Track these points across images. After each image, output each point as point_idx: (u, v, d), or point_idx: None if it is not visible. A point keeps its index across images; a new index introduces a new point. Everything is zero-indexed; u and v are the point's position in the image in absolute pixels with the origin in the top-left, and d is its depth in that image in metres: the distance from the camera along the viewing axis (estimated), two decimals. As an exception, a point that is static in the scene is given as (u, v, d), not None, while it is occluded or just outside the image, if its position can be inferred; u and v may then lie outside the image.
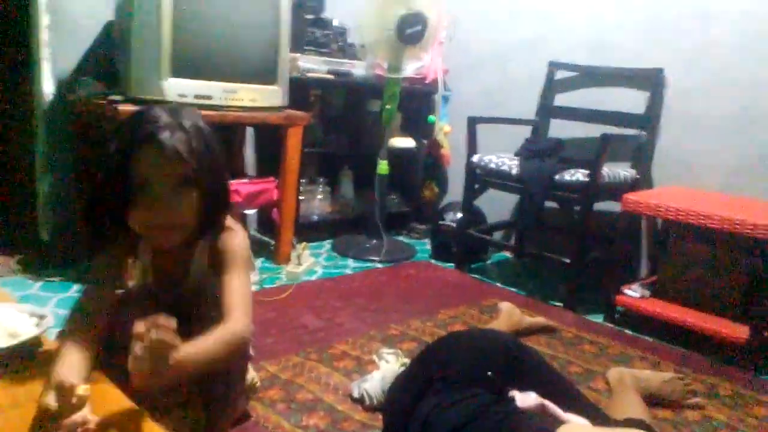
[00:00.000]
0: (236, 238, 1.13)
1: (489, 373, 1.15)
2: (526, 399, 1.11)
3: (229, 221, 1.16)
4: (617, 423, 1.23)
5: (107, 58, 2.36)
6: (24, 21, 2.29)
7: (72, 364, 0.86)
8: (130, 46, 2.07)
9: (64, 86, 2.33)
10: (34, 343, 1.01)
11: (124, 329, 0.86)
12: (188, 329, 0.87)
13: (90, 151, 2.32)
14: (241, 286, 1.07)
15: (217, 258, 1.11)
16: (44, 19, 2.24)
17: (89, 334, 0.94)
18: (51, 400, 0.76)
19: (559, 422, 1.04)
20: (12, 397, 0.86)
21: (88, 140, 2.32)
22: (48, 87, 2.31)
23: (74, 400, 0.76)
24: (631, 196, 2.17)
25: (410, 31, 2.58)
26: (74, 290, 2.12)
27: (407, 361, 1.62)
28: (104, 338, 0.98)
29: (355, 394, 1.54)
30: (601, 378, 1.76)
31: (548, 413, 1.09)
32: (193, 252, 1.14)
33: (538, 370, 1.24)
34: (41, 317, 1.06)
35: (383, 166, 2.86)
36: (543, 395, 1.13)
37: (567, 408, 1.11)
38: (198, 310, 1.12)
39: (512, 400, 1.11)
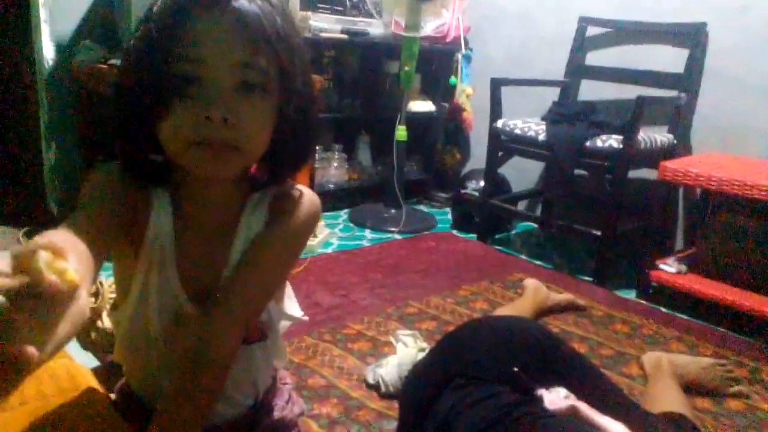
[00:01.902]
0: (306, 200, 0.77)
1: (514, 368, 1.04)
2: (555, 399, 1.00)
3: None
4: (656, 422, 1.11)
5: (108, 22, 2.24)
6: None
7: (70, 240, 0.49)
8: (129, 7, 1.95)
9: (65, 51, 2.22)
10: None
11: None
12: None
13: (93, 118, 2.23)
14: (271, 272, 0.75)
15: (272, 222, 0.75)
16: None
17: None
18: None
19: (593, 427, 0.92)
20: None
21: (90, 107, 2.22)
22: (48, 52, 2.20)
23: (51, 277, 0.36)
24: (669, 164, 2.00)
25: None
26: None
27: (426, 345, 1.52)
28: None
29: (370, 380, 1.45)
30: (635, 362, 1.64)
31: (581, 416, 0.97)
32: (241, 211, 0.75)
33: (571, 364, 1.12)
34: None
35: (402, 132, 2.71)
36: (576, 393, 1.01)
37: (603, 409, 0.99)
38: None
39: (540, 400, 0.99)
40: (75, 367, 0.85)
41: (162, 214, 0.70)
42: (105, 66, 2.04)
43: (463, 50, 3.03)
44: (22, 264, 0.35)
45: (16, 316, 0.34)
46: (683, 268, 2.09)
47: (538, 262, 2.44)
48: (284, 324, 0.86)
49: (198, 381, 0.67)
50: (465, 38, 3.01)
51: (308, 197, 0.78)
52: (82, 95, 2.23)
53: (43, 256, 0.36)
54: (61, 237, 0.47)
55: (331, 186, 2.93)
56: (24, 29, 2.23)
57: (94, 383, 0.81)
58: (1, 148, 2.58)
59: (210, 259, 0.74)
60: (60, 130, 2.29)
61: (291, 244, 0.77)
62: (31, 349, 0.34)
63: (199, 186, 0.71)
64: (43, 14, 2.16)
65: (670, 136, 2.31)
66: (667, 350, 1.72)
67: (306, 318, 0.88)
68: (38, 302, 0.35)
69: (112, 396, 0.85)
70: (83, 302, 0.39)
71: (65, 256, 0.38)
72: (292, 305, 0.86)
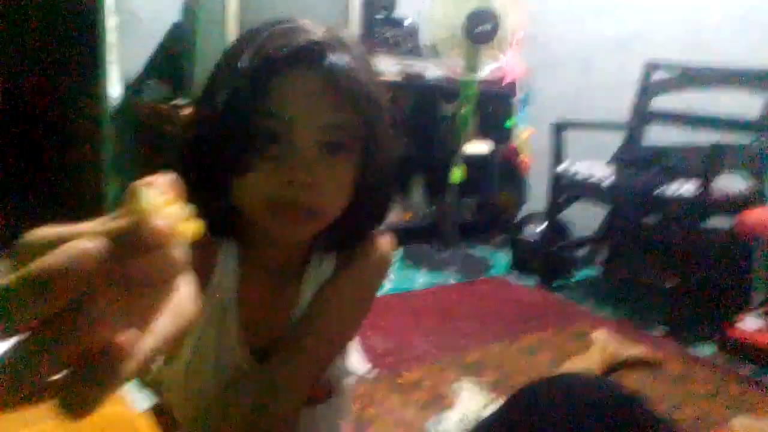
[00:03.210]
0: (378, 244, 0.72)
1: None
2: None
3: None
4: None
5: (174, 60, 2.29)
6: (91, 22, 2.25)
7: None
8: (195, 47, 1.99)
9: (131, 89, 2.27)
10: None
11: None
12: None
13: (156, 156, 2.26)
14: (340, 324, 0.69)
15: (340, 271, 0.71)
16: (111, 21, 2.18)
17: None
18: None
19: None
20: None
21: (153, 145, 2.26)
22: (115, 90, 2.25)
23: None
24: (747, 217, 1.88)
25: (480, 30, 2.39)
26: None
27: (490, 398, 1.42)
28: None
29: (432, 436, 1.36)
30: (722, 428, 1.50)
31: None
32: (310, 269, 0.71)
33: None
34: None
35: (456, 174, 2.66)
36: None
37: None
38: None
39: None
40: (135, 418, 0.80)
41: (228, 263, 0.66)
42: (169, 105, 2.07)
43: (521, 93, 2.99)
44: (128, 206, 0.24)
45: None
46: (764, 324, 1.94)
47: (603, 312, 2.31)
48: (350, 381, 0.79)
49: None
50: (523, 81, 2.97)
51: (379, 241, 0.72)
52: (145, 134, 2.27)
53: (149, 195, 0.24)
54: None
55: (384, 225, 2.88)
56: (92, 66, 2.30)
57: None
58: (63, 182, 2.64)
59: (274, 310, 0.69)
60: (122, 168, 2.33)
61: (362, 293, 0.71)
62: (132, 334, 0.23)
63: (269, 240, 0.65)
64: (112, 54, 2.22)
65: (746, 183, 2.19)
66: (756, 415, 1.57)
67: (373, 374, 0.82)
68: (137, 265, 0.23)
69: None
70: (188, 296, 0.26)
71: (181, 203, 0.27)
72: (357, 359, 0.79)
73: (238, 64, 0.57)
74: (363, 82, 0.59)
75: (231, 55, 0.60)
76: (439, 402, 1.52)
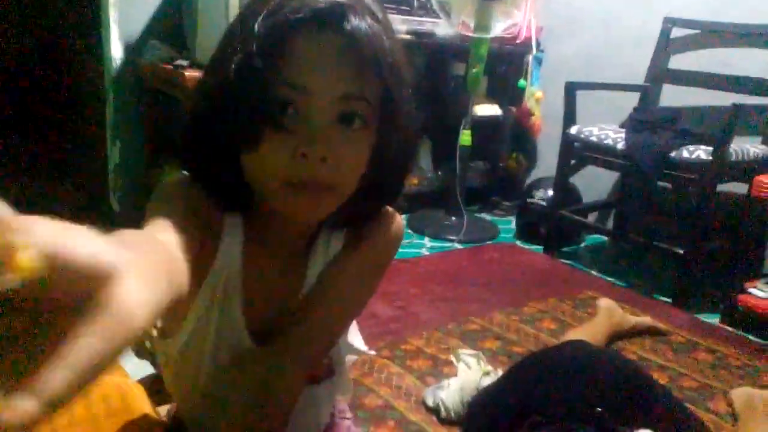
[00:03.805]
0: (388, 223, 0.69)
1: (598, 408, 0.93)
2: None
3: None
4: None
5: (175, 22, 2.24)
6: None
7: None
8: (196, 9, 1.94)
9: (132, 50, 2.23)
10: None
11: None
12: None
13: (159, 118, 2.23)
14: (345, 305, 0.68)
15: (349, 249, 0.68)
16: (111, -21, 2.13)
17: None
18: None
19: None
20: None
21: (156, 106, 2.23)
22: (116, 51, 2.21)
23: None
24: (764, 179, 1.82)
25: None
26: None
27: (490, 368, 1.41)
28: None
29: (430, 403, 1.36)
30: (722, 397, 1.48)
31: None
32: (317, 247, 0.68)
33: (661, 405, 1.00)
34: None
35: (465, 137, 2.60)
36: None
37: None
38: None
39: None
40: (128, 387, 0.79)
41: (233, 241, 0.62)
42: (171, 66, 2.03)
43: (534, 52, 2.89)
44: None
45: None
46: (776, 293, 1.90)
47: (610, 279, 2.28)
48: (350, 357, 0.77)
49: (258, 426, 0.60)
50: (537, 39, 2.87)
51: (390, 219, 0.69)
52: (148, 94, 2.24)
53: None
54: (136, 236, 0.38)
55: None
56: (93, 27, 2.25)
57: (148, 408, 0.76)
58: (65, 146, 2.63)
59: (279, 290, 0.66)
60: (125, 129, 2.31)
61: (369, 275, 0.69)
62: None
63: (278, 217, 0.62)
64: (113, 13, 2.17)
65: (764, 147, 2.11)
66: (759, 385, 1.55)
67: (373, 353, 0.81)
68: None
69: (163, 414, 0.79)
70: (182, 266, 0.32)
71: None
72: (356, 337, 0.78)
73: (253, 27, 0.52)
74: (386, 50, 0.54)
75: (245, 17, 0.55)
76: (440, 370, 1.51)
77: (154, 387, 0.84)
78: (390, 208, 0.70)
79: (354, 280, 0.67)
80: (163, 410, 0.82)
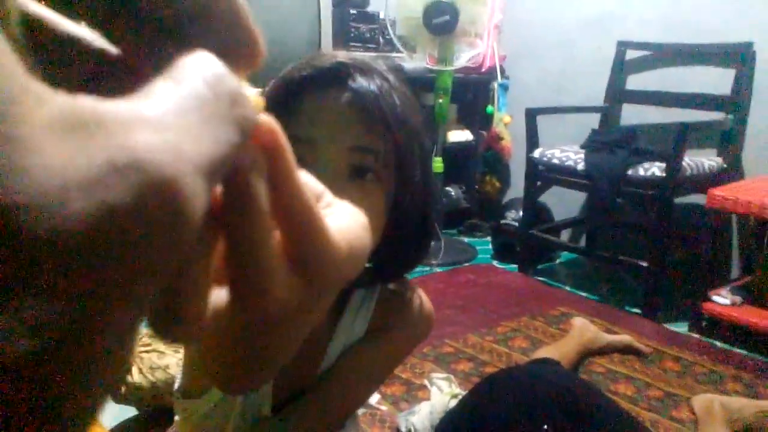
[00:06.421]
0: (419, 308, 0.70)
1: (545, 426, 0.99)
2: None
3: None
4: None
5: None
6: None
7: None
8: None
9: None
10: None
11: None
12: None
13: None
14: (364, 384, 0.68)
15: (378, 333, 0.68)
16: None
17: None
18: None
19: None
20: None
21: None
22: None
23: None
24: (717, 192, 1.90)
25: (437, 21, 2.40)
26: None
27: (459, 391, 1.48)
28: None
29: (403, 429, 1.41)
30: (686, 405, 1.54)
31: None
32: (342, 310, 0.68)
33: (607, 420, 1.06)
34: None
35: (438, 164, 2.69)
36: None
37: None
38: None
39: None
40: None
41: None
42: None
43: (500, 79, 3.00)
44: None
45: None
46: (738, 299, 1.97)
47: (583, 294, 2.35)
48: (360, 411, 0.80)
49: None
50: (501, 67, 2.98)
51: (422, 304, 0.70)
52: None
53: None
54: None
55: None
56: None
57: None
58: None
59: (301, 361, 0.68)
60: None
61: (393, 357, 0.70)
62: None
63: None
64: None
65: (719, 159, 2.20)
66: (722, 391, 1.61)
67: (384, 408, 0.83)
68: None
69: None
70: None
71: None
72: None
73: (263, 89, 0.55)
74: (393, 106, 0.56)
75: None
76: (414, 395, 1.57)
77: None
78: (424, 297, 0.71)
79: (378, 360, 0.68)
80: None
